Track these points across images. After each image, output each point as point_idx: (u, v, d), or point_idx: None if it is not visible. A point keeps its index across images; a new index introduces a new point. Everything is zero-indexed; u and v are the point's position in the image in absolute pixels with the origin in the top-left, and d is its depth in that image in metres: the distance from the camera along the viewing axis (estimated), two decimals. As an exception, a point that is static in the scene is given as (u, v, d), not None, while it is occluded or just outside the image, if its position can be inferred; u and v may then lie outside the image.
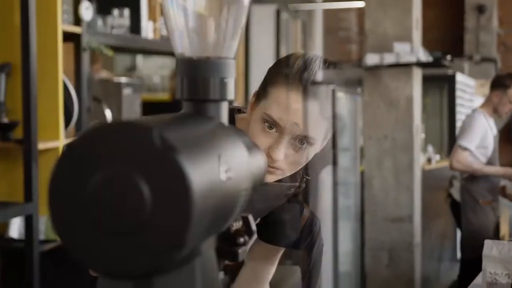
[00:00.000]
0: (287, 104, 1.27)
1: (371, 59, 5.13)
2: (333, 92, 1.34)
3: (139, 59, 5.76)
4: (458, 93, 7.16)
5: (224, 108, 0.87)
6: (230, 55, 0.87)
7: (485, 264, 2.07)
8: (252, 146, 0.92)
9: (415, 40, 5.35)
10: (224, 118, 0.86)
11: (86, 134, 0.66)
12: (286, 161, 1.30)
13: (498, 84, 4.47)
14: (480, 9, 9.33)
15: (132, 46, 3.24)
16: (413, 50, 5.18)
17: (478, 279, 2.23)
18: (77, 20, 2.74)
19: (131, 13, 3.16)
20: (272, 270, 1.52)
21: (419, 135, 5.60)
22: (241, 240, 0.87)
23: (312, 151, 1.32)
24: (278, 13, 5.80)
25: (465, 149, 4.29)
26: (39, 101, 2.49)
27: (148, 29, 3.25)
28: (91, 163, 0.65)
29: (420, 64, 5.18)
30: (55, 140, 2.57)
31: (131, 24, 3.18)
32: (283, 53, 5.81)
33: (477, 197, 4.43)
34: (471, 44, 9.30)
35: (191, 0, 0.86)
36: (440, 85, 6.99)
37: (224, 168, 0.73)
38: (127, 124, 0.65)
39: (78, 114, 2.71)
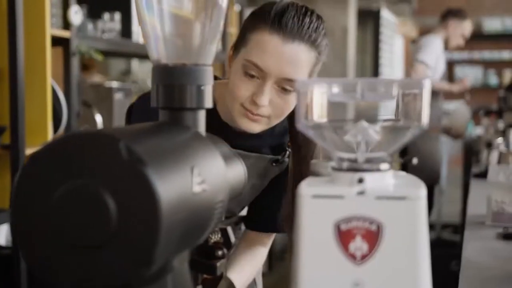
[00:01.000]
0: (268, 48, 1.24)
1: None
2: (320, 30, 1.30)
3: (134, 63, 5.72)
4: (381, 29, 7.12)
5: (202, 116, 0.84)
6: (207, 62, 0.85)
7: (491, 191, 1.93)
8: (230, 155, 0.89)
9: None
10: (202, 126, 0.84)
11: (52, 144, 0.64)
12: (272, 107, 1.27)
13: (455, 13, 4.48)
14: None
15: (123, 50, 3.21)
16: None
17: (480, 210, 2.05)
18: (67, 24, 2.70)
19: (122, 17, 3.13)
20: (266, 253, 1.53)
21: (353, 69, 5.60)
22: (220, 253, 0.84)
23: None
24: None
25: (422, 62, 4.32)
26: (27, 106, 2.46)
27: (139, 33, 3.23)
28: (55, 174, 0.63)
29: None
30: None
31: (122, 28, 3.15)
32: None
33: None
34: None
35: (167, 4, 0.83)
36: (364, 19, 6.89)
37: (198, 180, 0.71)
38: (93, 134, 0.63)
39: (67, 119, 2.68)
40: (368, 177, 0.70)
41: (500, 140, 3.16)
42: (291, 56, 1.24)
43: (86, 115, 3.01)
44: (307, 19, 1.26)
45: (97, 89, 3.19)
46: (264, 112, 1.27)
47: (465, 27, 4.42)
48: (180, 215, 0.64)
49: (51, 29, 2.58)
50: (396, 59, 8.84)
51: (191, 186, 0.68)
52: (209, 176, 0.73)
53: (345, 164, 0.72)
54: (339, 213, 0.68)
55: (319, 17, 1.29)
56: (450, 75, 10.21)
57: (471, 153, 4.64)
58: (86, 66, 4.00)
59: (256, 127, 1.29)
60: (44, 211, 0.62)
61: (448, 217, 5.93)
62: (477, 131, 8.79)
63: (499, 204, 1.96)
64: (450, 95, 8.92)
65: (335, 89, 0.72)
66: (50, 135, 2.56)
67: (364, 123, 0.73)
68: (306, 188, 0.70)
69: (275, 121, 1.30)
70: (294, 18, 1.25)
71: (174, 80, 0.82)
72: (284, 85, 1.25)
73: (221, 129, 1.31)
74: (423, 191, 0.68)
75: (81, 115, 2.86)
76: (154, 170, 0.61)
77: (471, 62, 10.10)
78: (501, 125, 4.13)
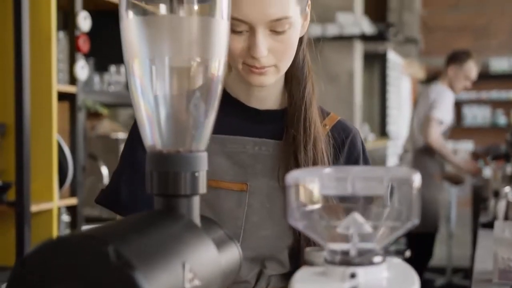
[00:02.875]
0: None
1: (313, 30, 5.12)
2: None
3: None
4: (388, 71, 7.12)
5: (196, 202, 0.84)
6: (201, 148, 0.85)
7: (496, 248, 1.87)
8: (225, 240, 0.89)
9: (357, 11, 5.30)
10: (196, 212, 0.84)
11: (41, 248, 0.64)
12: (273, 54, 1.17)
13: (454, 59, 4.49)
14: None
15: (129, 102, 3.24)
16: (356, 20, 5.12)
17: (487, 265, 1.99)
18: (73, 79, 2.73)
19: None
20: None
21: (359, 113, 5.58)
22: None
23: (296, 30, 1.19)
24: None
25: (440, 122, 4.28)
26: (33, 162, 2.47)
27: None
28: (45, 279, 0.63)
29: (363, 37, 5.14)
30: (49, 201, 2.54)
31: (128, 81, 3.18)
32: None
33: (430, 170, 4.37)
34: (394, 23, 9.35)
35: (162, 93, 0.84)
36: (370, 62, 6.90)
37: (189, 276, 0.70)
38: (82, 237, 0.63)
39: (73, 173, 2.69)
40: (361, 271, 0.69)
41: (507, 189, 3.14)
42: None
43: (92, 167, 3.02)
44: None
45: (103, 141, 3.21)
46: (268, 62, 1.18)
47: (467, 69, 4.42)
48: (170, 317, 0.64)
49: (58, 85, 2.61)
50: (404, 100, 8.86)
51: (182, 284, 0.68)
52: (201, 270, 0.73)
53: (337, 258, 0.71)
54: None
55: None
56: (458, 115, 10.23)
57: (479, 199, 4.61)
58: (96, 113, 4.03)
59: (267, 80, 1.20)
60: (34, 316, 0.62)
61: (459, 260, 5.87)
62: (486, 172, 8.75)
63: (505, 261, 1.94)
64: (453, 136, 8.92)
65: (326, 182, 0.72)
66: (55, 192, 2.57)
67: (356, 215, 0.73)
68: (299, 284, 0.69)
69: (284, 66, 1.21)
70: None
71: (168, 168, 0.82)
72: (276, 28, 1.16)
73: (235, 110, 1.26)
74: (416, 287, 0.68)
75: (87, 168, 2.87)
76: (143, 273, 0.61)
77: (479, 102, 10.10)
78: (509, 169, 4.11)
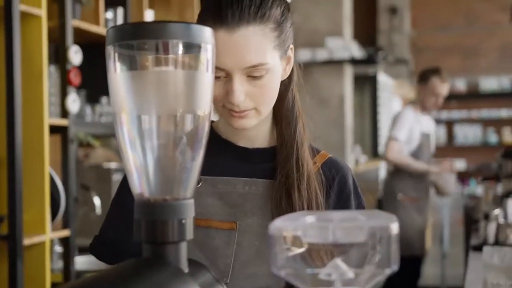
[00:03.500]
0: (217, 45, 1.18)
1: (303, 55, 5.13)
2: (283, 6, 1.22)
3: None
4: (379, 93, 7.17)
5: (183, 247, 0.86)
6: (187, 195, 0.87)
7: (486, 274, 1.90)
8: (212, 283, 0.91)
9: (347, 35, 5.34)
10: (183, 258, 0.86)
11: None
12: (251, 98, 1.19)
13: (421, 78, 4.55)
14: (393, 11, 9.47)
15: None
16: (345, 45, 5.17)
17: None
18: (64, 112, 2.76)
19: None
20: None
21: (351, 136, 5.61)
22: None
23: (275, 75, 1.21)
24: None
25: (396, 139, 4.29)
26: (25, 195, 2.49)
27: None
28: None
29: (353, 61, 5.18)
30: (42, 234, 2.55)
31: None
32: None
33: (397, 193, 4.36)
34: (384, 45, 9.42)
35: (149, 144, 0.86)
36: (361, 84, 6.95)
37: (176, 325, 0.72)
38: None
39: (65, 205, 2.71)
40: (343, 317, 0.72)
41: (497, 211, 3.17)
42: (243, 43, 1.16)
43: (85, 198, 3.04)
44: (246, 0, 1.18)
45: (96, 171, 3.23)
46: (247, 106, 1.20)
47: (432, 86, 4.43)
48: None
49: (49, 118, 2.63)
50: (395, 121, 8.91)
51: (170, 334, 0.70)
52: (188, 318, 0.75)
53: (320, 304, 0.74)
54: None
55: None
56: (449, 134, 10.29)
57: (471, 220, 4.63)
58: (87, 144, 4.05)
59: (248, 123, 1.22)
60: None
61: (453, 280, 5.88)
62: (478, 190, 8.79)
63: (495, 286, 1.96)
64: (445, 155, 8.96)
65: (309, 231, 0.75)
66: (48, 224, 2.58)
67: (338, 262, 0.75)
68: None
69: (265, 109, 1.22)
70: (233, 4, 1.17)
71: (156, 216, 0.85)
72: (253, 73, 1.17)
73: (225, 150, 1.28)
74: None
75: (79, 199, 2.88)
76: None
77: (470, 121, 10.18)
78: (500, 189, 4.14)
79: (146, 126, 0.86)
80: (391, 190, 4.40)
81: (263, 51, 1.17)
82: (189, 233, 0.86)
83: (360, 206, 1.34)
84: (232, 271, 1.22)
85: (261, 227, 1.24)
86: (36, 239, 2.52)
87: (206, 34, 0.85)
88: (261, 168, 1.29)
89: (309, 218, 0.79)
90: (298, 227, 0.75)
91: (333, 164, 1.33)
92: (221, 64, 1.16)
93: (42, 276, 2.55)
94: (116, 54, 0.84)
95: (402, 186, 4.38)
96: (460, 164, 10.18)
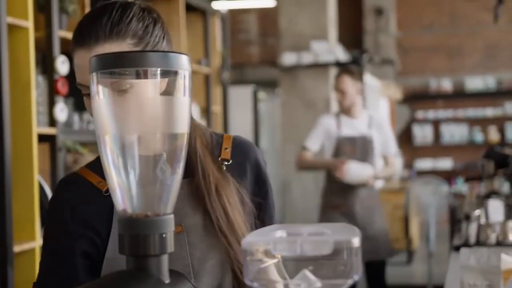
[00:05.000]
0: (80, 63, 1.21)
1: (288, 58, 5.12)
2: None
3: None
4: (365, 94, 7.23)
5: (164, 260, 0.92)
6: (168, 211, 0.94)
7: (463, 275, 1.92)
8: (193, 293, 0.97)
9: (332, 38, 5.39)
10: (164, 270, 0.92)
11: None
12: None
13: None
14: (379, 12, 9.55)
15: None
16: (330, 48, 5.19)
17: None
18: (52, 121, 2.81)
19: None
20: None
21: None
22: None
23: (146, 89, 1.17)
24: (255, 94, 5.94)
25: (305, 148, 4.18)
26: (15, 203, 2.54)
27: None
28: None
29: (338, 64, 5.17)
30: (31, 241, 2.60)
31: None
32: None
33: (324, 201, 4.25)
34: (370, 46, 9.52)
35: (131, 164, 0.92)
36: None
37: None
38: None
39: (54, 212, 2.75)
40: (310, 324, 0.78)
41: (477, 212, 3.23)
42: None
43: (74, 204, 3.08)
44: (104, 19, 1.21)
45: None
46: None
47: (336, 82, 4.29)
48: None
49: (38, 127, 2.68)
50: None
51: None
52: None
53: (289, 312, 0.80)
54: None
55: (120, 7, 1.23)
56: (436, 134, 10.40)
57: (455, 219, 4.71)
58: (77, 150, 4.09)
59: None
60: None
61: (440, 277, 5.94)
62: (464, 189, 8.88)
63: (471, 287, 2.02)
64: (432, 154, 9.01)
65: (278, 245, 0.81)
66: (37, 231, 2.63)
67: (306, 272, 0.82)
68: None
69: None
70: (89, 25, 1.22)
71: (138, 231, 0.91)
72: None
73: None
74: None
75: (68, 206, 2.93)
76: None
77: (456, 120, 10.29)
78: (483, 189, 4.21)
79: (127, 147, 0.92)
80: (322, 199, 4.30)
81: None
82: (170, 246, 0.92)
83: (270, 187, 1.40)
84: (193, 270, 1.28)
85: (204, 222, 1.29)
86: (26, 246, 2.57)
87: (182, 61, 0.92)
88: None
89: (279, 233, 0.85)
90: (269, 242, 0.81)
91: (241, 144, 1.38)
92: (83, 81, 1.22)
93: (32, 282, 2.60)
94: (99, 81, 0.90)
95: (328, 194, 4.21)
96: (447, 163, 10.29)
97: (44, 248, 1.32)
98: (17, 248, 2.51)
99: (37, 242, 2.64)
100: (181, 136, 0.94)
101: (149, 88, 0.91)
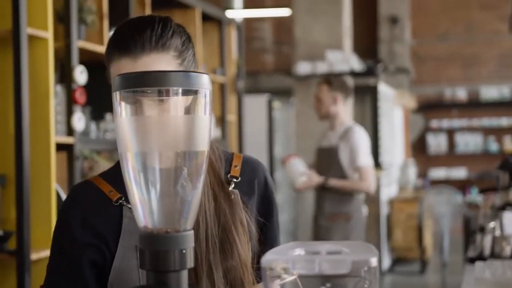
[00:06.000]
0: (125, 70, 1.22)
1: (303, 67, 5.11)
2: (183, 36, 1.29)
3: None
4: (380, 103, 7.21)
5: (184, 275, 0.94)
6: (188, 227, 0.95)
7: None
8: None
9: (346, 48, 5.39)
10: (184, 285, 0.94)
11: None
12: None
13: None
14: (393, 20, 9.52)
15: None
16: (345, 58, 5.19)
17: None
18: (70, 130, 2.84)
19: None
20: None
21: None
22: None
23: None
24: (270, 102, 5.96)
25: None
26: (32, 211, 2.57)
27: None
28: None
29: (353, 74, 5.17)
30: (49, 249, 2.63)
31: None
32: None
33: (326, 212, 4.08)
34: (385, 54, 9.49)
35: (152, 181, 0.94)
36: (361, 95, 6.96)
37: None
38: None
39: (71, 220, 2.78)
40: None
41: (492, 224, 3.22)
42: (146, 69, 1.23)
43: (90, 212, 3.11)
44: (148, 31, 1.24)
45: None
46: None
47: (317, 90, 4.26)
48: None
49: (56, 136, 2.71)
50: (397, 129, 8.99)
51: None
52: None
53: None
54: None
55: (161, 22, 1.27)
56: (450, 143, 10.36)
57: (469, 230, 4.69)
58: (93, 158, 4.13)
59: None
60: None
61: (454, 287, 5.94)
62: (478, 198, 8.83)
63: (486, 300, 2.02)
64: (446, 163, 8.96)
65: (297, 264, 0.82)
66: (54, 239, 2.66)
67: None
68: None
69: None
70: (135, 35, 1.24)
71: (159, 246, 0.93)
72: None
73: None
74: None
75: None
76: None
77: (470, 129, 10.25)
78: (498, 200, 4.19)
79: (149, 164, 0.94)
80: (321, 209, 4.13)
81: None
82: (190, 262, 0.94)
83: (276, 208, 1.42)
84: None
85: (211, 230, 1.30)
86: (43, 254, 2.60)
87: (203, 80, 0.94)
88: None
89: (298, 251, 0.86)
90: (288, 260, 0.83)
91: (250, 162, 1.41)
92: None
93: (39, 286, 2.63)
94: (122, 100, 0.92)
95: (328, 204, 4.09)
96: (461, 172, 10.25)
97: (52, 254, 1.34)
98: (34, 256, 2.54)
99: (54, 250, 2.67)
100: (201, 154, 0.96)
101: (170, 106, 0.93)
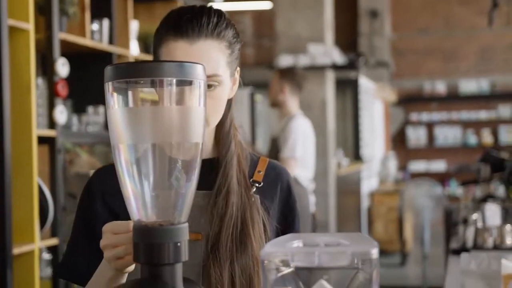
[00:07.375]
0: (177, 53, 1.24)
1: (285, 60, 5.11)
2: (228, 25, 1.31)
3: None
4: (360, 96, 7.26)
5: (179, 268, 0.92)
6: (182, 220, 0.94)
7: (464, 280, 1.94)
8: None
9: (328, 41, 5.40)
10: (178, 278, 0.92)
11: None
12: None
13: None
14: (373, 14, 9.57)
15: (107, 141, 3.31)
16: (327, 51, 5.19)
17: None
18: (52, 123, 2.80)
19: (105, 110, 3.24)
20: None
21: (333, 140, 5.66)
22: None
23: (225, 89, 1.28)
24: (252, 96, 5.94)
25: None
26: (14, 205, 2.53)
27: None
28: None
29: (334, 67, 5.18)
30: (31, 243, 2.60)
31: (105, 121, 3.26)
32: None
33: None
34: (365, 48, 9.54)
35: (146, 173, 0.92)
36: (342, 88, 7.01)
37: None
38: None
39: (53, 214, 2.75)
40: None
41: (475, 216, 3.24)
42: (201, 54, 1.24)
43: (72, 206, 3.08)
44: (205, 17, 1.27)
45: (81, 179, 3.27)
46: None
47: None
48: None
49: (37, 129, 2.67)
50: (377, 123, 9.04)
51: None
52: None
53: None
54: None
55: (216, 12, 1.30)
56: (430, 136, 10.42)
57: (450, 223, 4.71)
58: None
59: None
60: None
61: (434, 279, 5.97)
62: (458, 191, 8.90)
63: (473, 293, 2.02)
64: (426, 156, 8.99)
65: (296, 256, 0.81)
66: (37, 233, 2.63)
67: (323, 282, 0.82)
68: None
69: (213, 121, 1.29)
70: (193, 19, 1.26)
71: (153, 239, 0.91)
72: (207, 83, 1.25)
73: None
74: None
75: (66, 208, 2.93)
76: None
77: (449, 122, 10.31)
78: (478, 192, 4.21)
79: (142, 156, 0.92)
80: None
81: (218, 64, 1.26)
82: (184, 255, 0.92)
83: (298, 216, 1.42)
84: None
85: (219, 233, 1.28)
86: (25, 248, 2.57)
87: (197, 71, 0.92)
88: (205, 180, 1.30)
89: (296, 243, 0.85)
90: (287, 252, 0.82)
91: (275, 168, 1.41)
92: None
93: (32, 284, 2.60)
94: (114, 91, 0.91)
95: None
96: (440, 165, 10.32)
97: (73, 226, 1.37)
98: (16, 250, 2.51)
99: (36, 244, 2.64)
100: (195, 145, 0.95)
101: (164, 97, 0.91)
